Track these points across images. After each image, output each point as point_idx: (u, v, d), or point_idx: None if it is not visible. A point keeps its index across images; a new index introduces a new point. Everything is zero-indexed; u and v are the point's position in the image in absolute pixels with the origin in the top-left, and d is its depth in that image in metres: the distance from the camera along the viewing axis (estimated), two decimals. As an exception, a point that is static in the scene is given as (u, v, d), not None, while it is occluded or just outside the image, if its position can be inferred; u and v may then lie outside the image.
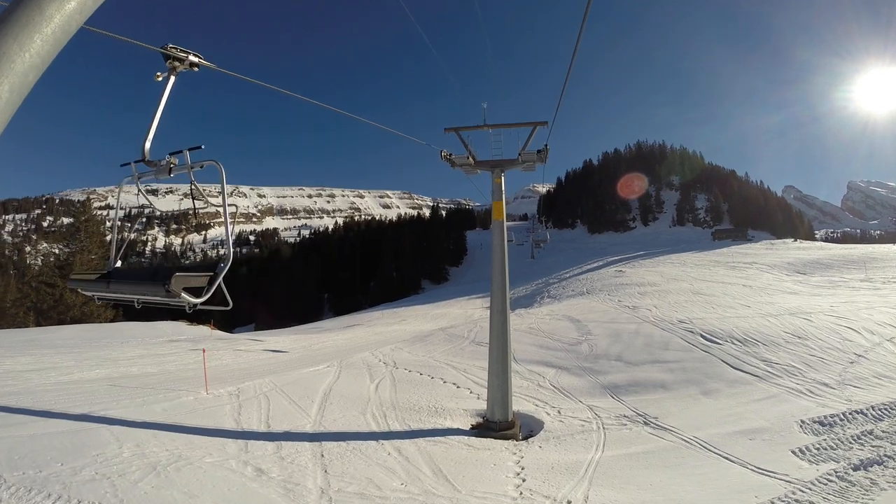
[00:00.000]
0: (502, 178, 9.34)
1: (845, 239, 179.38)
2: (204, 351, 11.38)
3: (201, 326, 28.21)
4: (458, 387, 11.36)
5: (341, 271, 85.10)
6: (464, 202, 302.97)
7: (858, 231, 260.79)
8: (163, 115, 3.20)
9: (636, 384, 11.26)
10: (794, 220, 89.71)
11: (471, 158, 9.24)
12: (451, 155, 9.12)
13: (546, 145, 8.97)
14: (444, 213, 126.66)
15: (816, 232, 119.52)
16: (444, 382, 11.76)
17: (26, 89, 1.32)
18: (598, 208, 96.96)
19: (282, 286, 78.96)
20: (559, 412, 9.64)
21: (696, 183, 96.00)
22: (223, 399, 9.99)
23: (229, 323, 75.83)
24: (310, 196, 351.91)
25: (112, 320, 32.35)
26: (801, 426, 8.50)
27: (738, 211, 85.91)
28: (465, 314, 35.14)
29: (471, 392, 10.92)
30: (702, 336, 14.42)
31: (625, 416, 9.37)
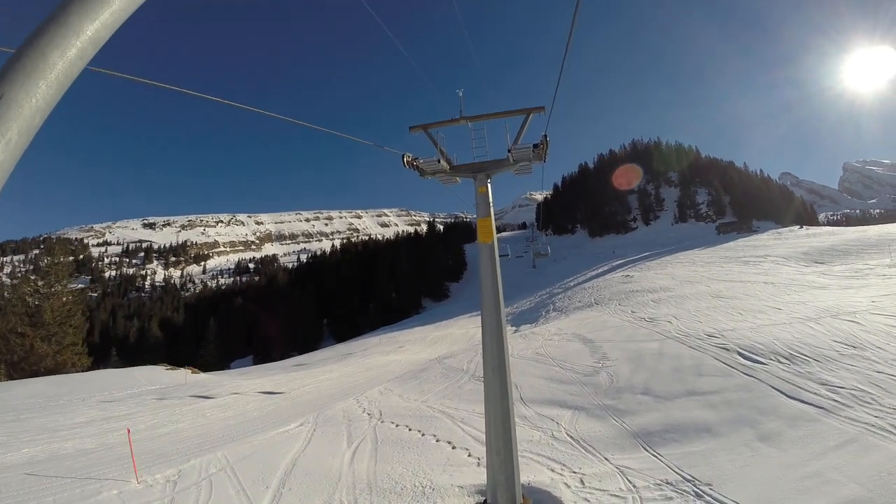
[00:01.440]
0: (488, 185, 6.98)
1: (848, 221, 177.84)
2: (129, 431, 9.18)
3: (180, 370, 26.03)
4: (453, 447, 9.17)
5: (340, 295, 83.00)
6: (462, 215, 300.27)
7: (858, 211, 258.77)
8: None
9: (673, 428, 9.04)
10: (797, 207, 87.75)
11: (444, 163, 6.96)
12: (416, 160, 6.86)
13: (545, 136, 6.59)
14: (441, 227, 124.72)
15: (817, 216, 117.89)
16: (437, 441, 9.58)
17: (33, 132, 1.33)
18: (598, 211, 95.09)
19: (280, 315, 76.78)
20: (581, 481, 7.44)
21: (696, 177, 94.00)
22: (154, 491, 7.87)
23: (227, 355, 73.66)
24: (307, 220, 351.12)
25: (89, 368, 30.24)
26: (904, 485, 6.37)
27: (740, 202, 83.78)
28: (466, 335, 32.97)
29: (469, 455, 8.72)
30: (739, 354, 12.21)
31: (667, 481, 7.16)
